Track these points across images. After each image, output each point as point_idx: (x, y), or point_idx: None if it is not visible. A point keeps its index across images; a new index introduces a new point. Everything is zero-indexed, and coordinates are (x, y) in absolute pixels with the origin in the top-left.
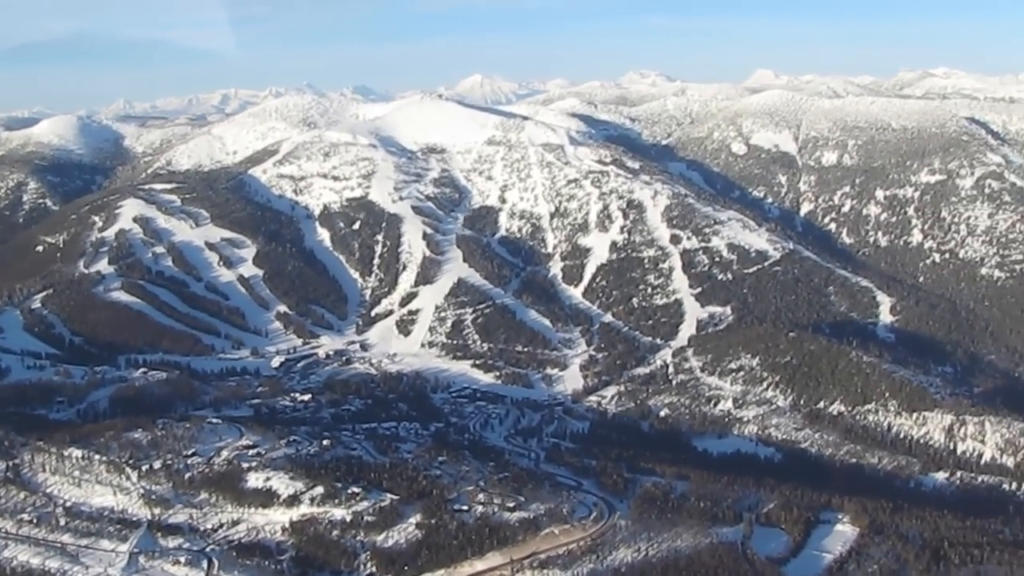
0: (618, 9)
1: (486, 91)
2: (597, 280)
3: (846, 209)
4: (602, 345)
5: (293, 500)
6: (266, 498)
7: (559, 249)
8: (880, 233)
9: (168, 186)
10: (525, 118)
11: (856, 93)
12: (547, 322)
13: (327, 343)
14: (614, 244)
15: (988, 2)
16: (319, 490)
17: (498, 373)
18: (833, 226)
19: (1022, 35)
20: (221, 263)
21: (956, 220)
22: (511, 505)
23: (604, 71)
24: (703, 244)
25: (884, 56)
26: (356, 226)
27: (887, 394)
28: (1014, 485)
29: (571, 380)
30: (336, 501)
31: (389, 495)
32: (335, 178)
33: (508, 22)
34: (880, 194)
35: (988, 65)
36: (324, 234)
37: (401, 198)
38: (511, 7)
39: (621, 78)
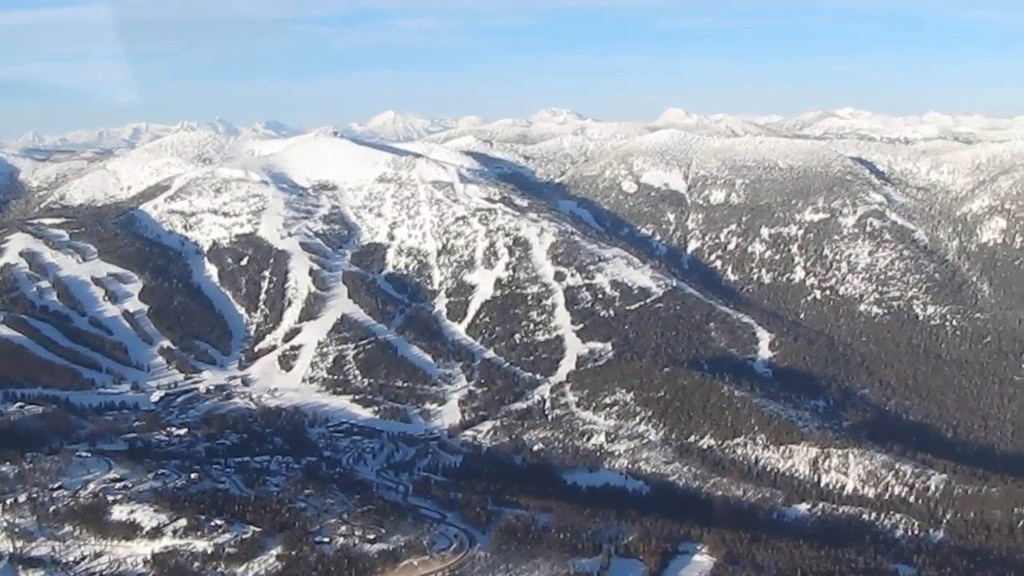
0: (536, 47)
1: (398, 127)
2: (481, 316)
3: (732, 247)
4: (482, 380)
5: (156, 532)
6: (129, 530)
7: (445, 286)
8: (764, 270)
9: (58, 221)
10: (418, 156)
11: (754, 132)
12: (429, 358)
13: (209, 378)
14: (499, 281)
15: (901, 45)
16: (182, 522)
17: (377, 408)
18: (719, 263)
19: (927, 76)
20: (107, 298)
21: (837, 258)
22: (372, 537)
23: (519, 109)
24: (587, 281)
25: (796, 95)
26: (244, 262)
27: (756, 428)
28: (873, 515)
29: (449, 415)
30: (199, 533)
31: (252, 527)
32: (225, 214)
33: (425, 59)
34: (765, 232)
35: (899, 106)
36: (212, 270)
37: (290, 234)
38: (429, 44)
39: (533, 116)
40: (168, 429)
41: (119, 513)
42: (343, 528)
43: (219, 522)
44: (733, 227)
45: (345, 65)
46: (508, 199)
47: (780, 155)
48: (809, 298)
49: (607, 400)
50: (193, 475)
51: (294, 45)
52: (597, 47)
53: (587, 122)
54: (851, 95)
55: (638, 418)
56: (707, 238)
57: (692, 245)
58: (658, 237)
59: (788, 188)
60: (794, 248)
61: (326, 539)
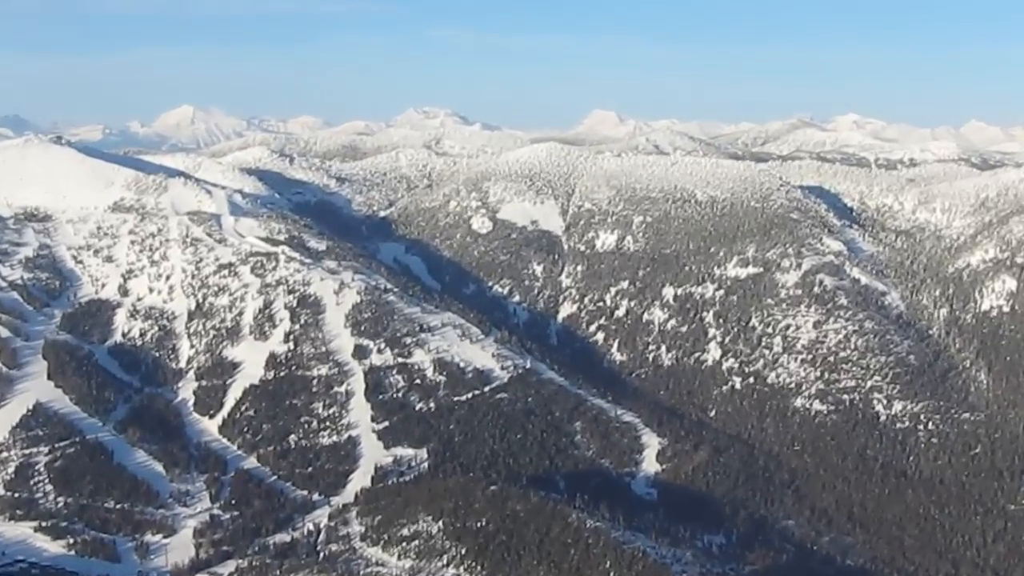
0: (412, 17)
1: (198, 130)
2: (243, 408)
3: (621, 313)
4: (234, 501)
5: None
6: None
7: (196, 363)
8: (664, 347)
9: None
10: (180, 174)
11: (687, 149)
12: (159, 467)
13: None
14: (273, 357)
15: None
16: None
17: (73, 540)
18: (601, 337)
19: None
20: None
21: (769, 331)
22: None
23: (382, 108)
24: (400, 360)
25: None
26: None
27: (611, 572)
28: None
29: (179, 550)
30: None
31: None
32: None
33: (248, 34)
34: (669, 292)
35: (932, 116)
36: None
37: None
38: (258, 11)
39: (397, 117)
40: None
41: None
42: None
43: None
44: (625, 285)
45: (124, 40)
46: (298, 240)
47: (699, 182)
48: (725, 388)
49: (405, 531)
50: None
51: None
52: (508, 20)
53: (457, 128)
54: (875, 100)
55: (446, 557)
56: (587, 300)
57: (565, 309)
58: (517, 298)
59: (707, 230)
60: (709, 316)
61: None
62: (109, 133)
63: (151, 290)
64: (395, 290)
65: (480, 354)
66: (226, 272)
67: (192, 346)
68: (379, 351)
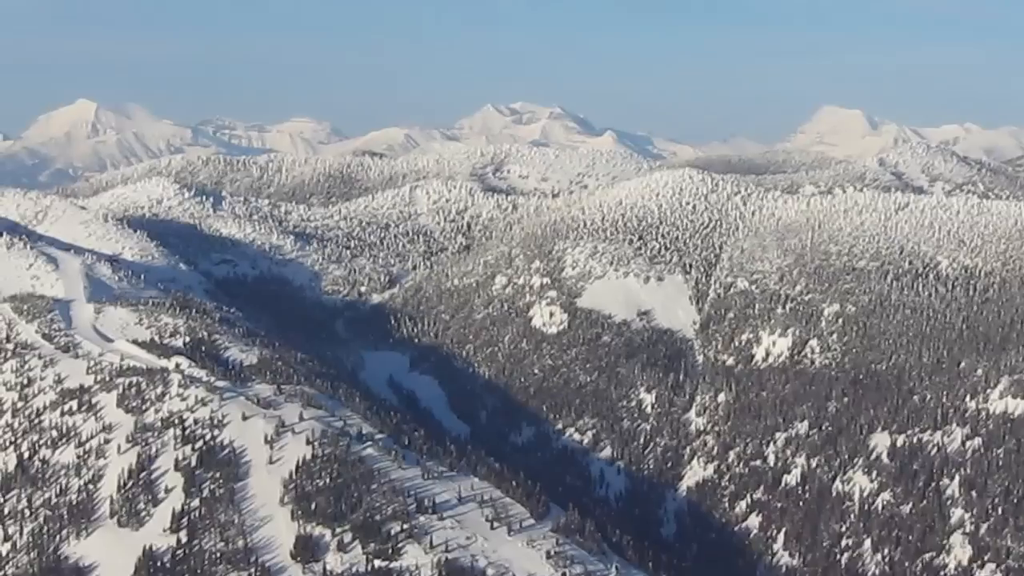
0: None
1: (105, 142)
2: None
3: (794, 479)
4: None
5: None
6: None
7: (13, 565)
8: (873, 541)
9: None
10: (7, 228)
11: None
12: None
13: None
14: (151, 558)
15: None
16: None
17: None
18: (757, 522)
19: None
20: None
21: None
22: None
23: (447, 105)
24: (379, 564)
25: None
26: None
27: None
28: None
29: None
30: None
31: None
32: None
33: None
34: (882, 442)
35: None
36: None
37: None
38: None
39: (462, 120)
40: None
41: None
42: None
43: None
44: (803, 428)
45: None
46: (209, 347)
47: (955, 241)
48: None
49: None
50: None
51: None
52: None
53: (570, 136)
54: None
55: None
56: (734, 456)
57: (694, 474)
58: (608, 451)
59: (955, 330)
60: (952, 486)
61: None
62: None
63: None
64: (380, 437)
65: (526, 555)
66: (73, 405)
67: (7, 537)
68: (341, 547)
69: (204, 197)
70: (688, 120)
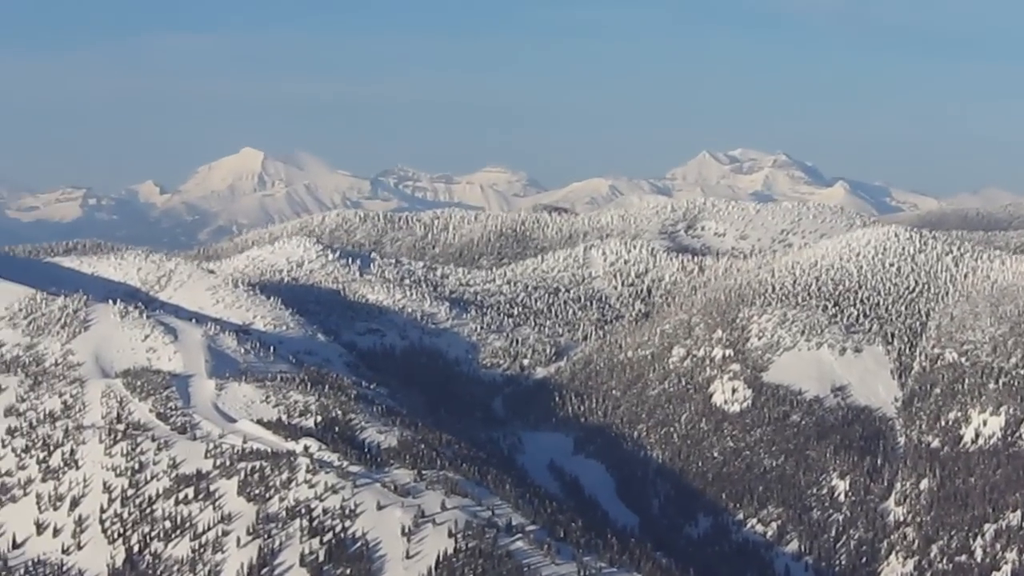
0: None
1: (274, 195)
2: None
3: None
4: None
5: None
6: None
7: None
8: None
9: None
10: (127, 294)
11: None
12: None
13: None
14: None
15: None
16: None
17: None
18: None
19: None
20: None
21: None
22: None
23: (665, 152)
24: None
25: None
26: None
27: None
28: None
29: None
30: None
31: None
32: None
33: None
34: None
35: None
36: None
37: None
38: None
39: (676, 169)
40: None
41: None
42: None
43: None
44: (1020, 519)
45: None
46: (344, 429)
47: None
48: None
49: None
50: None
51: None
52: None
53: (795, 186)
54: None
55: None
56: (938, 549)
57: (893, 570)
58: (795, 544)
59: None
60: None
61: None
62: (87, 204)
63: (39, 528)
64: (532, 529)
65: None
66: (189, 492)
67: None
68: None
69: (351, 260)
70: (933, 169)
